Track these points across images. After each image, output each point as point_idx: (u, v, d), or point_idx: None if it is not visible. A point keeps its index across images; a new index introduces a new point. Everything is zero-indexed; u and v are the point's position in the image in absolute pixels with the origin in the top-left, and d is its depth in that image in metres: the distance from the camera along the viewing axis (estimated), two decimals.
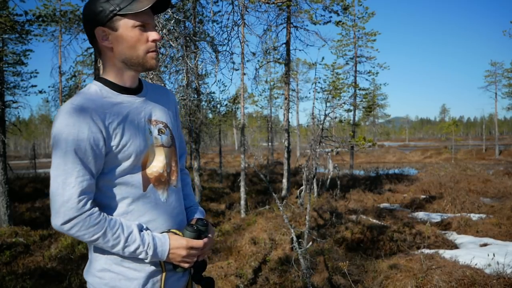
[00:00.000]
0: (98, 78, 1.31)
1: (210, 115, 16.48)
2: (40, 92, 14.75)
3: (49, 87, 24.14)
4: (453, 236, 7.46)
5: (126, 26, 1.23)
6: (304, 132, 35.69)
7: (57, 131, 1.17)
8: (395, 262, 5.10)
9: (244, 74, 11.23)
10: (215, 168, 25.26)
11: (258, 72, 11.98)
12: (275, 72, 28.59)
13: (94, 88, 1.27)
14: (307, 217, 5.19)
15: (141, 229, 1.25)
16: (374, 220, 8.18)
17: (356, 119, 23.21)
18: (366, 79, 22.22)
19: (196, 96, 9.11)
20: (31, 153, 23.91)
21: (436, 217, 9.35)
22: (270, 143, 28.93)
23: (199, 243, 1.29)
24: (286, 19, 12.56)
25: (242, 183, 10.41)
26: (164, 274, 1.29)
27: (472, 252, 5.93)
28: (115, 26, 1.23)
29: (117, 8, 1.21)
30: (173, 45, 4.19)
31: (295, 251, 4.82)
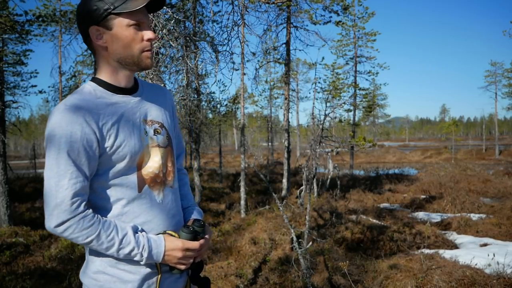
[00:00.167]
0: (92, 78, 1.30)
1: (210, 115, 16.48)
2: (40, 92, 14.75)
3: (49, 87, 24.14)
4: (453, 236, 7.46)
5: (120, 25, 1.21)
6: (304, 132, 35.69)
7: (50, 133, 1.15)
8: (395, 262, 5.10)
9: (244, 74, 11.24)
10: (215, 168, 25.26)
11: (258, 72, 11.99)
12: (275, 72, 28.61)
13: (88, 88, 1.25)
14: (307, 217, 5.19)
15: (136, 231, 1.23)
16: (374, 220, 8.18)
17: (356, 119, 23.21)
18: (366, 79, 22.25)
19: (196, 96, 9.11)
20: (31, 153, 23.91)
21: (436, 217, 9.35)
22: (270, 143, 28.93)
23: (195, 244, 1.27)
24: (286, 19, 12.56)
25: (242, 183, 10.41)
26: (159, 276, 1.28)
27: (472, 252, 5.93)
28: (109, 25, 1.21)
29: (112, 7, 1.19)
30: (173, 45, 4.19)
31: (295, 251, 4.82)
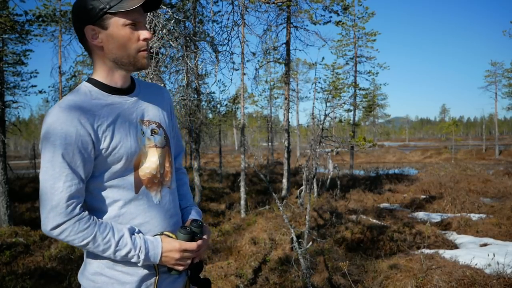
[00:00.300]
0: (88, 78, 1.28)
1: (210, 115, 16.48)
2: (40, 92, 14.76)
3: (49, 87, 24.15)
4: (453, 236, 7.46)
5: (116, 25, 1.20)
6: (304, 132, 35.70)
7: (44, 135, 1.15)
8: (395, 262, 5.10)
9: (244, 74, 11.23)
10: (215, 168, 25.26)
11: (258, 72, 11.99)
12: (275, 72, 28.61)
13: (84, 89, 1.24)
14: (307, 217, 5.19)
15: (132, 232, 1.22)
16: (374, 220, 8.18)
17: (356, 119, 23.21)
18: (366, 79, 22.27)
19: (196, 96, 9.11)
20: (31, 153, 23.90)
21: (436, 217, 9.35)
22: (270, 143, 28.92)
23: (192, 245, 1.26)
24: (286, 19, 12.56)
25: (242, 183, 10.41)
26: (157, 277, 1.27)
27: (472, 252, 5.93)
28: (105, 24, 1.20)
29: (107, 6, 1.17)
30: (173, 45, 4.19)
31: (295, 251, 4.82)
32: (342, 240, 6.86)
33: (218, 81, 16.42)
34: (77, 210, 1.16)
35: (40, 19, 11.01)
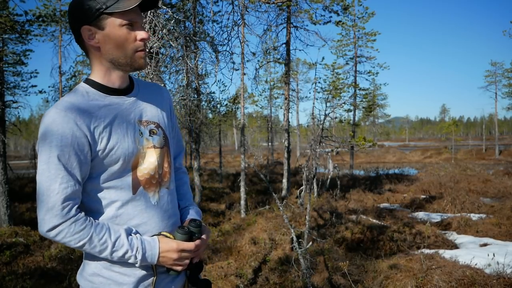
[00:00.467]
0: (86, 79, 1.28)
1: (210, 115, 16.48)
2: (40, 92, 14.78)
3: (49, 87, 24.15)
4: (453, 236, 7.46)
5: (113, 25, 1.19)
6: (304, 132, 35.70)
7: (41, 136, 1.15)
8: (395, 262, 5.10)
9: (244, 74, 11.23)
10: (215, 168, 25.26)
11: (258, 72, 11.99)
12: (275, 72, 28.57)
13: (81, 90, 1.23)
14: (307, 217, 5.19)
15: (129, 233, 1.22)
16: (374, 220, 8.18)
17: (356, 119, 23.21)
18: (366, 79, 22.27)
19: (196, 96, 9.11)
20: (31, 153, 23.89)
21: (436, 217, 9.35)
22: (270, 143, 28.93)
23: (190, 245, 1.25)
24: (286, 19, 12.57)
25: (242, 183, 10.42)
26: (155, 278, 1.26)
27: (472, 252, 5.93)
28: (101, 24, 1.19)
29: (104, 6, 1.17)
30: (173, 45, 4.19)
31: (295, 251, 4.82)
32: (342, 240, 6.86)
33: (218, 81, 16.42)
34: (73, 211, 1.15)
35: (40, 19, 11.01)
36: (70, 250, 6.49)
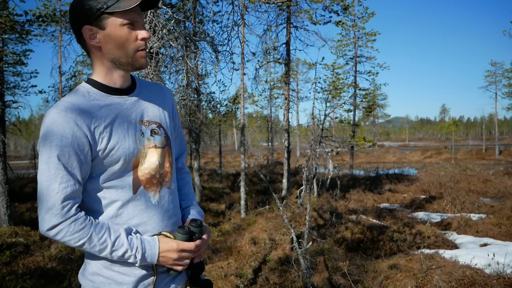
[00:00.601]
0: (87, 79, 1.28)
1: (210, 115, 16.48)
2: (40, 92, 14.77)
3: (49, 87, 24.16)
4: (453, 236, 7.46)
5: (114, 25, 1.19)
6: (304, 132, 35.70)
7: (41, 137, 1.15)
8: (395, 262, 5.10)
9: (244, 74, 11.24)
10: (215, 168, 25.26)
11: (258, 72, 12.00)
12: (275, 72, 28.55)
13: (82, 90, 1.23)
14: (307, 217, 5.19)
15: (129, 232, 1.22)
16: (374, 220, 8.18)
17: (356, 119, 23.21)
18: (366, 79, 22.26)
19: (196, 96, 9.11)
20: (31, 153, 23.89)
21: (436, 217, 9.35)
22: (270, 143, 28.93)
23: (190, 245, 1.25)
24: (286, 19, 12.56)
25: (242, 183, 10.41)
26: (155, 277, 1.26)
27: (472, 252, 5.93)
28: (102, 24, 1.19)
29: (104, 6, 1.17)
30: (173, 45, 4.19)
31: (295, 251, 4.82)
32: (342, 240, 6.86)
33: (218, 81, 16.43)
34: (73, 211, 1.16)
35: (40, 19, 11.01)
36: (70, 250, 6.49)
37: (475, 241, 7.03)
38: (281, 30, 12.70)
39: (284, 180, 12.57)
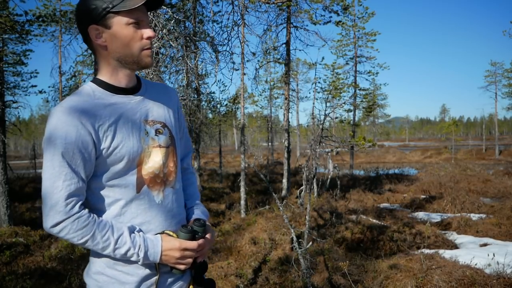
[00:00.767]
0: (93, 78, 1.29)
1: (210, 115, 16.48)
2: (40, 92, 14.75)
3: (49, 87, 24.16)
4: (453, 236, 7.46)
5: (119, 24, 1.21)
6: (304, 132, 35.69)
7: (46, 134, 1.16)
8: (395, 262, 5.10)
9: (244, 74, 11.22)
10: (215, 168, 25.26)
11: (258, 72, 12.01)
12: (275, 72, 28.57)
13: (87, 89, 1.25)
14: (307, 217, 5.19)
15: (132, 231, 1.22)
16: (374, 220, 8.18)
17: (356, 119, 23.21)
18: (366, 79, 22.24)
19: (196, 96, 9.11)
20: (31, 153, 23.87)
21: (436, 217, 9.35)
22: (270, 143, 28.92)
23: (193, 244, 1.26)
24: (286, 19, 12.56)
25: (242, 183, 10.41)
26: (157, 277, 1.27)
27: (472, 252, 5.93)
28: (108, 23, 1.21)
29: (110, 5, 1.19)
30: (173, 45, 4.19)
31: (295, 251, 4.82)
32: (342, 240, 6.86)
33: (218, 81, 16.45)
34: (76, 208, 1.16)
35: (40, 19, 10.99)
36: (70, 250, 6.49)
37: (475, 241, 7.03)
38: (281, 30, 12.71)
39: (284, 180, 12.57)
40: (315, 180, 10.16)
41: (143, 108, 1.30)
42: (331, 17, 13.51)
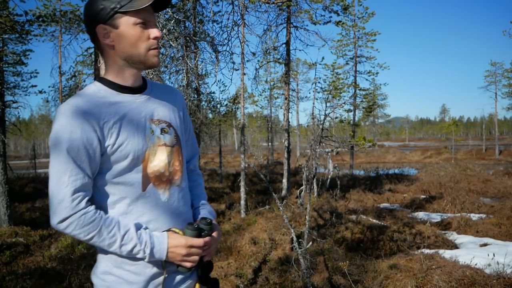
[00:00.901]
0: (99, 78, 1.31)
1: (210, 115, 16.48)
2: (40, 92, 14.74)
3: (49, 87, 24.17)
4: (453, 236, 7.46)
5: (127, 24, 1.23)
6: (304, 132, 35.70)
7: (52, 133, 1.18)
8: (395, 262, 5.10)
9: (244, 74, 11.22)
10: (215, 168, 25.25)
11: (258, 72, 12.01)
12: (275, 72, 28.54)
13: (92, 88, 1.26)
14: (307, 217, 5.19)
15: (139, 228, 1.23)
16: (374, 220, 8.17)
17: (356, 119, 23.21)
18: (366, 79, 22.23)
19: (196, 96, 9.11)
20: (31, 153, 23.89)
21: (436, 217, 9.35)
22: (270, 143, 28.91)
23: (199, 241, 1.27)
24: (286, 19, 12.56)
25: (242, 183, 10.41)
26: (164, 276, 1.28)
27: (472, 252, 5.93)
28: (116, 23, 1.23)
29: (118, 6, 1.21)
30: (173, 45, 4.19)
31: (295, 251, 4.81)
32: (342, 240, 6.86)
33: (218, 81, 16.45)
34: (83, 204, 1.17)
35: (40, 19, 10.99)
36: (70, 250, 6.49)
37: (475, 241, 7.03)
38: (281, 30, 12.71)
39: (284, 180, 12.56)
40: (315, 180, 10.16)
41: (149, 107, 1.32)
42: (331, 17, 13.51)
